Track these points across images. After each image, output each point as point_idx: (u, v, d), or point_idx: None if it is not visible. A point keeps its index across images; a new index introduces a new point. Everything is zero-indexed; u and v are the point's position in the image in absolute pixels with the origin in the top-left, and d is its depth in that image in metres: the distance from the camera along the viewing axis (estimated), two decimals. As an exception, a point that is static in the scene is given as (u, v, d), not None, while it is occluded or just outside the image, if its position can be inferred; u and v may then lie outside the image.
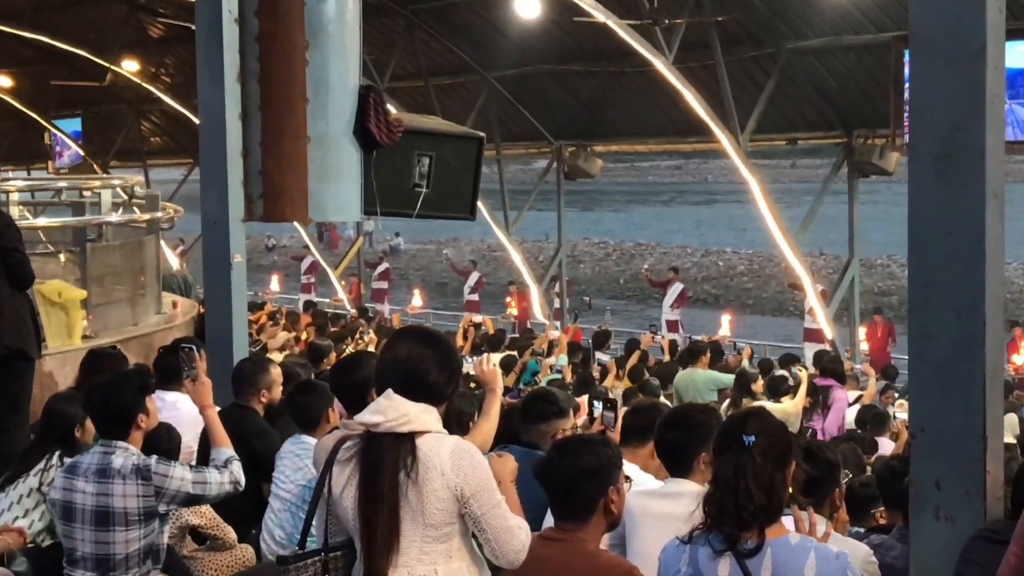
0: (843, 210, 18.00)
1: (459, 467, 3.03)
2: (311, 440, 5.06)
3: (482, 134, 7.05)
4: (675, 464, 3.87)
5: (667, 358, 13.80)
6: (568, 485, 3.42)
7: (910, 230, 3.56)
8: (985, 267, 3.43)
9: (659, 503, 3.81)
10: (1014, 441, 8.41)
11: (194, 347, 4.56)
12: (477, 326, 15.60)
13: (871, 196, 52.19)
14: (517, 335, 17.61)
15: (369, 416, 3.09)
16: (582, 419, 6.04)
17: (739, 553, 2.98)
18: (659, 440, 3.95)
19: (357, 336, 11.47)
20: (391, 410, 3.06)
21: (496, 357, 4.62)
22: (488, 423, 4.42)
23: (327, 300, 24.55)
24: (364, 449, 3.09)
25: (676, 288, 20.84)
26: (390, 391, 3.10)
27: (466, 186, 6.87)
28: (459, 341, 13.33)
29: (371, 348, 10.64)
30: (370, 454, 3.07)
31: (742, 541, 2.98)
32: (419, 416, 3.07)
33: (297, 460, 5.06)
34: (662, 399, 9.23)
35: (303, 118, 6.18)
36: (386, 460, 3.04)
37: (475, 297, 23.71)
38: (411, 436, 3.05)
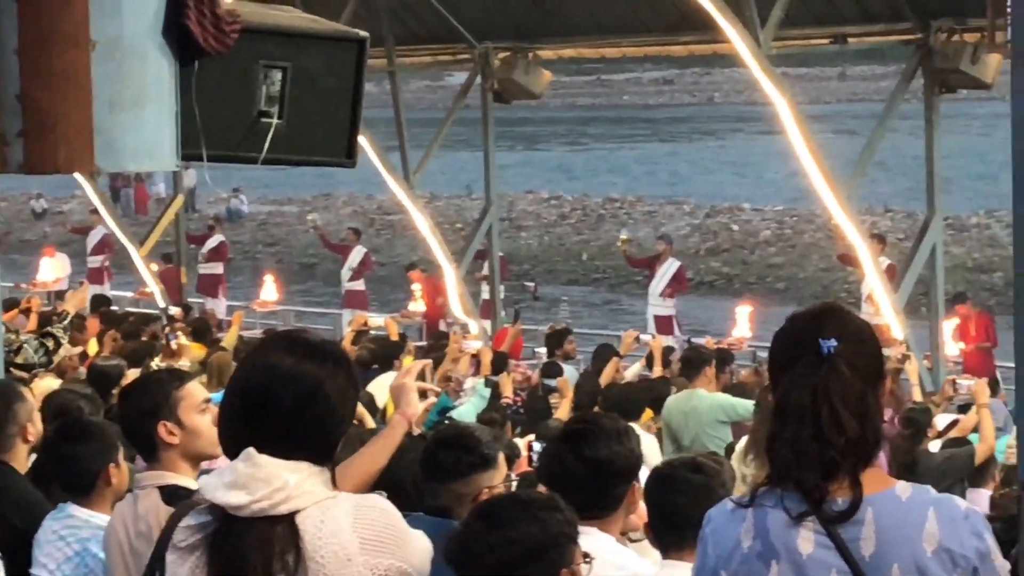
0: (917, 143, 18.20)
1: (378, 540, 3.02)
2: (86, 515, 5.04)
3: (365, 34, 7.04)
4: (674, 539, 3.94)
5: (657, 372, 13.90)
6: (497, 569, 3.45)
7: (1015, 171, 3.61)
8: None
9: (647, 597, 3.86)
10: None
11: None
12: (366, 332, 15.60)
13: (960, 121, 53.02)
14: (424, 343, 17.61)
15: (224, 493, 3.02)
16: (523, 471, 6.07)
17: (827, 517, 3.03)
18: (653, 505, 3.98)
19: (165, 345, 11.42)
20: (258, 483, 3.01)
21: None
22: (374, 451, 4.35)
23: (129, 294, 24.47)
24: (217, 540, 3.05)
25: (668, 267, 20.97)
26: (251, 451, 3.03)
27: (341, 115, 6.87)
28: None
29: (184, 364, 10.60)
30: (227, 549, 3.03)
31: (829, 498, 3.03)
32: (302, 486, 3.03)
33: (63, 546, 5.02)
34: (640, 430, 9.27)
35: (84, 11, 6.12)
36: (251, 560, 3.00)
37: (359, 285, 23.67)
38: (290, 517, 3.02)
